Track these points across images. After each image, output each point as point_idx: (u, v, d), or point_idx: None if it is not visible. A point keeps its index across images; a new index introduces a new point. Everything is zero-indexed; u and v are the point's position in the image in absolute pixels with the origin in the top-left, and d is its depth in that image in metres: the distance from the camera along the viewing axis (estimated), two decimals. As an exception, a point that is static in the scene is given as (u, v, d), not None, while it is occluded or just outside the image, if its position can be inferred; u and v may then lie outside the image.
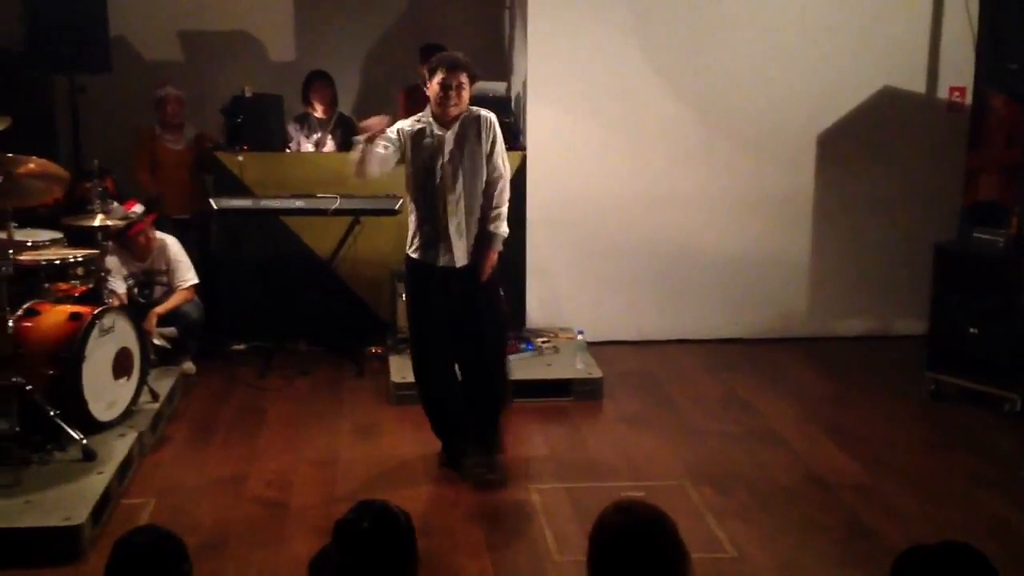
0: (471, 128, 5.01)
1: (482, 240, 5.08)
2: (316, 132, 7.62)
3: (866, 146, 7.50)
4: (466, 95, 4.97)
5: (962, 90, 7.42)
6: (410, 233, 5.14)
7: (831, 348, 7.46)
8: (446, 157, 4.97)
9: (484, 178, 5.04)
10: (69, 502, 4.47)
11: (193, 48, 8.53)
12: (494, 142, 5.05)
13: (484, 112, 5.08)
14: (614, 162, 7.33)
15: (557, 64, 7.23)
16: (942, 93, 7.44)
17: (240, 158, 7.07)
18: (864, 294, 7.68)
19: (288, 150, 7.47)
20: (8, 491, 4.56)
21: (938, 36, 7.36)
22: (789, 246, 7.57)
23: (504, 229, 5.13)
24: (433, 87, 4.94)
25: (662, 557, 2.43)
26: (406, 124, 5.08)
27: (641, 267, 7.46)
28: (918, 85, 7.44)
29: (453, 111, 4.94)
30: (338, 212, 6.81)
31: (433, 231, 5.03)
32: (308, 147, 7.59)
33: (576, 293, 7.45)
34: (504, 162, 5.11)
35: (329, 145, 7.61)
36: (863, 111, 7.43)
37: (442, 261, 5.03)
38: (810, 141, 7.47)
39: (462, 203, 5.00)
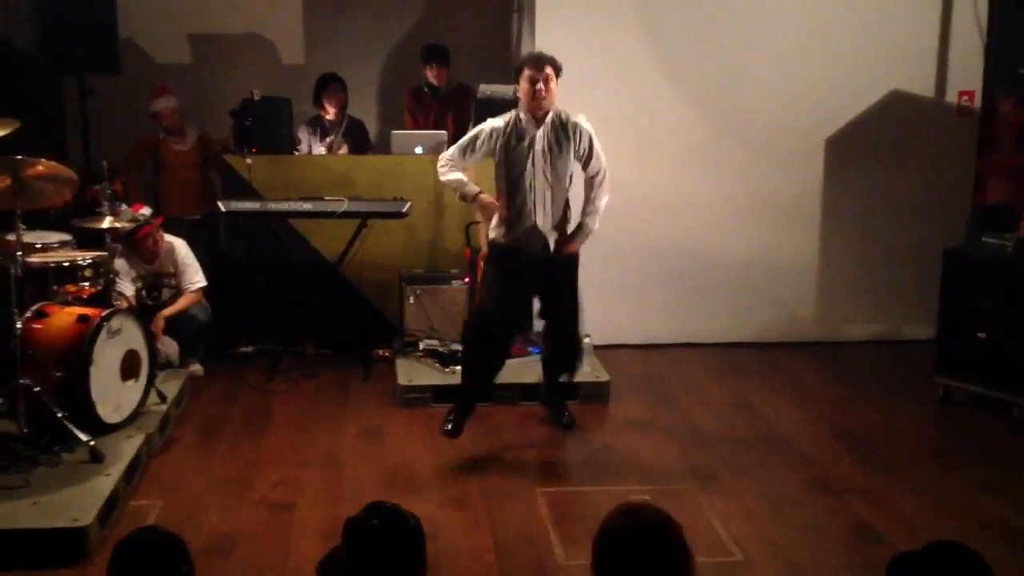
0: (563, 130, 5.42)
1: (572, 230, 5.57)
2: (328, 135, 7.64)
3: (875, 150, 7.49)
4: (554, 88, 5.35)
5: (971, 94, 7.41)
6: (495, 220, 5.56)
7: (839, 352, 7.45)
8: (536, 156, 5.38)
9: (571, 178, 5.51)
10: (76, 503, 4.48)
11: (202, 51, 8.55)
12: (590, 147, 5.47)
13: (581, 121, 5.46)
14: (622, 165, 7.25)
15: (564, 68, 7.20)
16: (951, 97, 7.44)
17: (248, 161, 7.08)
18: (872, 298, 7.67)
19: (296, 152, 7.48)
20: (16, 492, 4.56)
21: (947, 40, 7.35)
22: (797, 249, 7.56)
23: (595, 225, 5.57)
24: (522, 85, 5.35)
25: (667, 561, 2.42)
26: (499, 123, 5.46)
27: (648, 270, 7.45)
28: (927, 89, 7.44)
29: (545, 104, 5.35)
30: (346, 215, 6.82)
31: (519, 223, 5.47)
32: (320, 150, 7.62)
33: (583, 296, 7.42)
34: (603, 161, 5.52)
35: (343, 148, 7.62)
36: (872, 115, 7.43)
37: (527, 247, 5.49)
38: (818, 144, 7.47)
39: (548, 200, 5.44)
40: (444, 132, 7.47)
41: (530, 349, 6.77)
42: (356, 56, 8.56)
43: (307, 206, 6.86)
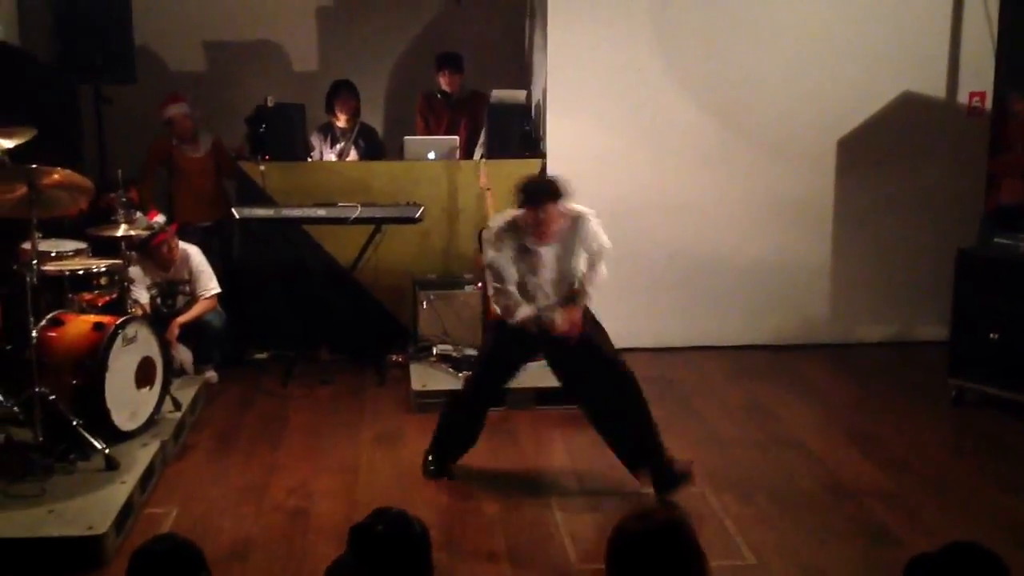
0: (568, 237, 5.07)
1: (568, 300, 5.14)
2: (339, 142, 7.66)
3: (887, 151, 7.48)
4: (557, 216, 4.97)
5: (982, 95, 7.39)
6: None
7: (853, 354, 7.44)
8: (546, 263, 5.05)
9: (578, 274, 5.12)
10: (92, 511, 4.50)
11: (216, 58, 8.59)
12: (597, 243, 5.12)
13: (582, 218, 5.07)
14: (634, 168, 7.33)
15: (576, 72, 7.24)
16: (962, 98, 7.43)
17: (262, 167, 7.11)
18: (886, 300, 7.66)
19: (310, 159, 7.51)
20: (32, 500, 4.59)
21: (958, 41, 7.33)
22: (810, 251, 7.56)
23: (588, 296, 5.19)
24: (527, 216, 4.96)
25: (681, 565, 2.43)
26: (498, 231, 5.06)
27: (661, 273, 7.45)
28: (938, 90, 7.43)
29: (550, 233, 4.99)
30: (359, 221, 6.84)
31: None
32: (331, 156, 7.63)
33: (596, 300, 7.40)
34: (603, 245, 5.16)
35: (352, 155, 7.64)
36: (883, 116, 7.42)
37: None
38: (831, 146, 7.46)
39: (554, 291, 5.10)
40: (456, 138, 7.49)
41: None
42: (369, 63, 8.59)
43: (321, 212, 6.89)
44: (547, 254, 5.07)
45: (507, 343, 5.20)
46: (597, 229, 5.16)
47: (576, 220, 5.09)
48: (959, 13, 7.30)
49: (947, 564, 2.36)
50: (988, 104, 7.42)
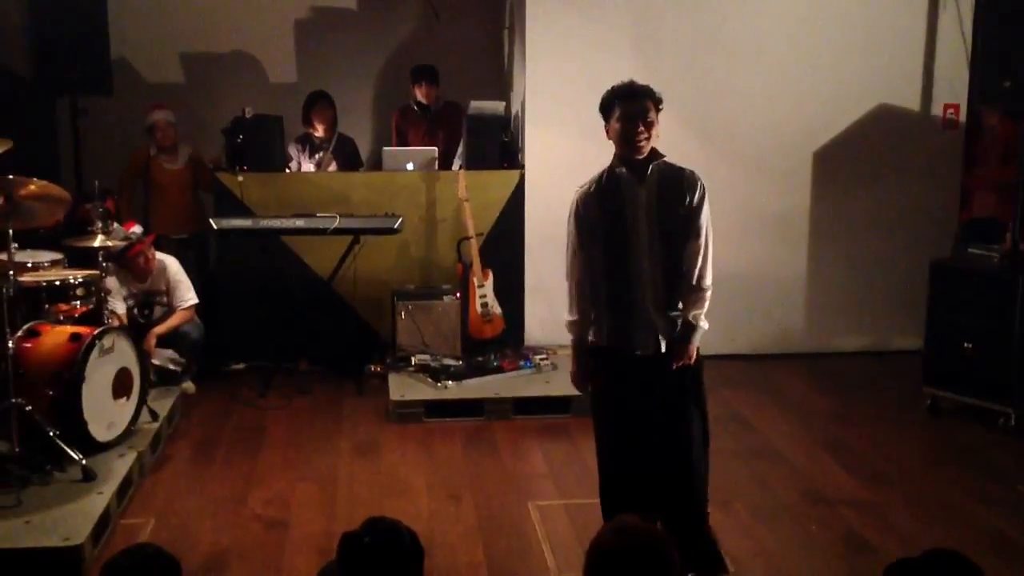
0: (671, 183, 4.12)
1: (680, 330, 4.13)
2: (317, 152, 7.65)
3: (862, 164, 7.54)
4: (656, 126, 4.12)
5: (956, 108, 7.47)
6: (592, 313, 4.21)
7: (829, 364, 7.48)
8: (642, 217, 4.08)
9: (685, 246, 4.17)
10: (69, 522, 4.48)
11: (194, 70, 8.56)
12: (700, 206, 4.16)
13: (689, 170, 4.18)
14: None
15: (555, 84, 7.27)
16: (937, 111, 7.50)
17: (240, 178, 7.11)
18: (862, 310, 7.71)
19: (288, 170, 7.50)
20: (8, 511, 4.57)
21: (932, 55, 7.41)
22: (786, 263, 7.60)
23: (705, 322, 4.15)
24: (613, 125, 4.09)
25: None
26: (584, 190, 4.18)
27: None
28: (913, 103, 7.50)
29: (644, 145, 4.06)
30: (338, 231, 6.84)
31: (626, 309, 4.11)
32: (309, 167, 7.62)
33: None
34: (710, 234, 4.23)
35: (332, 167, 7.63)
36: (859, 129, 7.48)
37: (639, 349, 4.10)
38: (807, 159, 7.51)
39: (660, 274, 4.12)
40: (435, 149, 7.50)
41: (521, 363, 6.79)
42: (348, 74, 8.59)
43: (299, 223, 6.88)
44: (642, 201, 4.08)
45: (610, 375, 4.22)
46: (705, 203, 4.19)
47: (683, 171, 4.17)
48: (933, 27, 7.38)
49: (927, 570, 2.38)
50: (962, 117, 7.51)
